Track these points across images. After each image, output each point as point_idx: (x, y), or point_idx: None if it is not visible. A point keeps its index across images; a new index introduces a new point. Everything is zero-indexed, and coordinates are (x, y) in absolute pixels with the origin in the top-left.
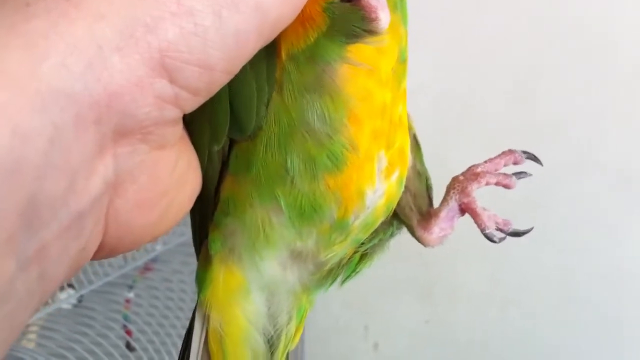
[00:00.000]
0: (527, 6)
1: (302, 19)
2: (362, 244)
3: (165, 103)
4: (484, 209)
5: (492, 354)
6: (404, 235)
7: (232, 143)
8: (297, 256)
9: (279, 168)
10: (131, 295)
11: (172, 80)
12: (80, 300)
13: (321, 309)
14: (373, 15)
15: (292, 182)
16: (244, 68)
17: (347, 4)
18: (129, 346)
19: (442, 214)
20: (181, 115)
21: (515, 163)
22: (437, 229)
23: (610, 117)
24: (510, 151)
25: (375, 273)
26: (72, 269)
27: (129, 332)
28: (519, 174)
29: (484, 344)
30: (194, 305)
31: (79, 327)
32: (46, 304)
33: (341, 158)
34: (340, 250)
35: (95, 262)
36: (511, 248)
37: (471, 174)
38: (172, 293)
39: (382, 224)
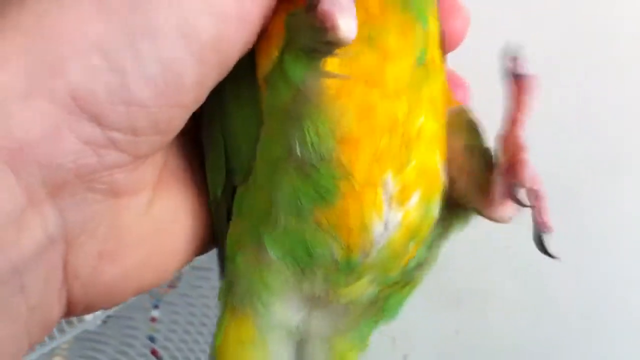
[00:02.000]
0: (540, 7)
1: (266, 35)
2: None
3: (100, 148)
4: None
5: None
6: None
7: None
8: (311, 300)
9: (265, 206)
10: (156, 314)
11: (99, 123)
12: (105, 321)
13: None
14: (328, 24)
15: (276, 221)
16: (230, 114)
17: (303, 14)
18: None
19: (498, 184)
20: (135, 159)
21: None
22: (499, 199)
23: (632, 116)
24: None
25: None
26: (38, 329)
27: (154, 352)
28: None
29: (515, 353)
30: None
31: (104, 348)
32: (71, 325)
33: (332, 189)
34: (360, 290)
35: None
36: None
37: (510, 122)
38: (195, 309)
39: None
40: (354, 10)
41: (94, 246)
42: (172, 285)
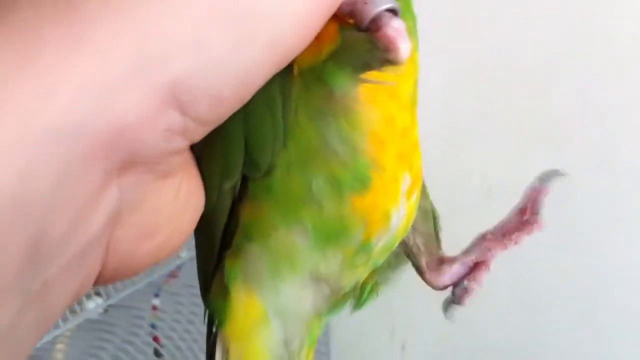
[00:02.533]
0: (542, 7)
1: (316, 37)
2: (375, 271)
3: (174, 135)
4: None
5: (521, 354)
6: None
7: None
8: (317, 280)
9: (303, 191)
10: (157, 302)
11: (183, 113)
12: (106, 309)
13: (346, 313)
14: (392, 47)
15: (318, 204)
16: (259, 105)
17: (362, 33)
18: (157, 353)
19: (456, 265)
20: (188, 145)
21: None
22: (447, 277)
23: (636, 115)
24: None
25: (400, 275)
26: (72, 302)
27: (156, 339)
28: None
29: (512, 344)
30: None
31: (107, 336)
32: (74, 314)
33: (367, 178)
34: (360, 274)
35: None
36: (536, 248)
37: (500, 235)
38: (197, 298)
39: (394, 255)
40: (407, 35)
41: (136, 224)
42: (172, 274)
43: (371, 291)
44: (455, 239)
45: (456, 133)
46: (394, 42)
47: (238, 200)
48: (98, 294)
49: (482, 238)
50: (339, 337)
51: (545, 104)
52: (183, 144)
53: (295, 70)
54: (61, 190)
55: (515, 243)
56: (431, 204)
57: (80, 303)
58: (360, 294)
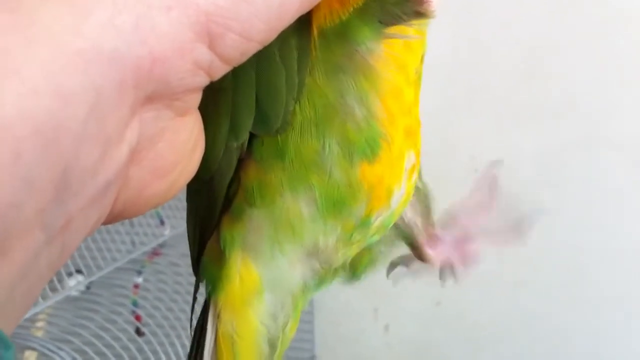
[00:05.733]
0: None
1: None
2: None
3: (199, 69)
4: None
5: (503, 334)
6: None
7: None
8: (312, 253)
9: (315, 154)
10: (140, 280)
11: (211, 47)
12: (88, 287)
13: (330, 292)
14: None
15: (329, 169)
16: (272, 56)
17: None
18: (138, 331)
19: (447, 239)
20: (208, 82)
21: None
22: (440, 250)
23: (624, 93)
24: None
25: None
26: (86, 237)
27: (138, 318)
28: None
29: (495, 324)
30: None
31: (87, 314)
32: (55, 291)
33: (379, 146)
34: (353, 251)
35: (104, 248)
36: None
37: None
38: (180, 277)
39: (389, 235)
40: None
41: (150, 161)
42: (155, 252)
43: (368, 265)
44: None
45: (445, 112)
46: None
47: (240, 162)
48: (79, 271)
49: (457, 216)
50: (323, 317)
51: (534, 85)
52: (205, 80)
53: (315, 29)
54: (93, 119)
55: (491, 209)
56: (422, 180)
57: (61, 280)
58: (356, 267)
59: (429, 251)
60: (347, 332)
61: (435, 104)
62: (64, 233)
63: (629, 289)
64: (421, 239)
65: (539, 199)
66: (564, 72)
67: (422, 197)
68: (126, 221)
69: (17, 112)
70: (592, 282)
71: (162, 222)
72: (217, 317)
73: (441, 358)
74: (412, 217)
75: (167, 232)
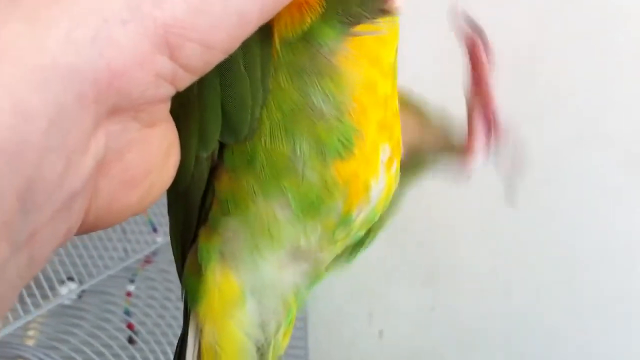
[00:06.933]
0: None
1: (298, 1)
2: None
3: (162, 81)
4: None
5: (497, 340)
6: (403, 220)
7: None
8: (296, 256)
9: (286, 158)
10: (132, 288)
11: (172, 58)
12: (80, 295)
13: (325, 297)
14: None
15: (301, 171)
16: (236, 66)
17: None
18: (131, 340)
19: (477, 129)
20: (174, 93)
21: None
22: (478, 146)
23: (620, 91)
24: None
25: (378, 259)
26: (56, 249)
27: (130, 326)
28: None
29: (489, 330)
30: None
31: (79, 322)
32: (47, 300)
33: (351, 143)
34: (339, 248)
35: (96, 256)
36: (514, 227)
37: (475, 89)
38: (172, 285)
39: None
40: None
41: (119, 173)
42: (147, 260)
43: (361, 245)
44: (430, 215)
45: (444, 102)
46: None
47: (213, 173)
48: (71, 278)
49: (470, 106)
50: (316, 322)
51: (529, 83)
52: (170, 91)
53: (277, 41)
54: (55, 133)
55: (488, 67)
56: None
57: (53, 288)
58: (353, 250)
59: (470, 144)
60: (341, 339)
61: (434, 104)
62: (31, 244)
63: (624, 290)
64: (454, 154)
65: (531, 196)
66: (559, 70)
67: (436, 123)
68: (119, 229)
69: None
70: (586, 285)
71: (154, 230)
72: (200, 329)
73: None
74: (434, 144)
75: (159, 239)
